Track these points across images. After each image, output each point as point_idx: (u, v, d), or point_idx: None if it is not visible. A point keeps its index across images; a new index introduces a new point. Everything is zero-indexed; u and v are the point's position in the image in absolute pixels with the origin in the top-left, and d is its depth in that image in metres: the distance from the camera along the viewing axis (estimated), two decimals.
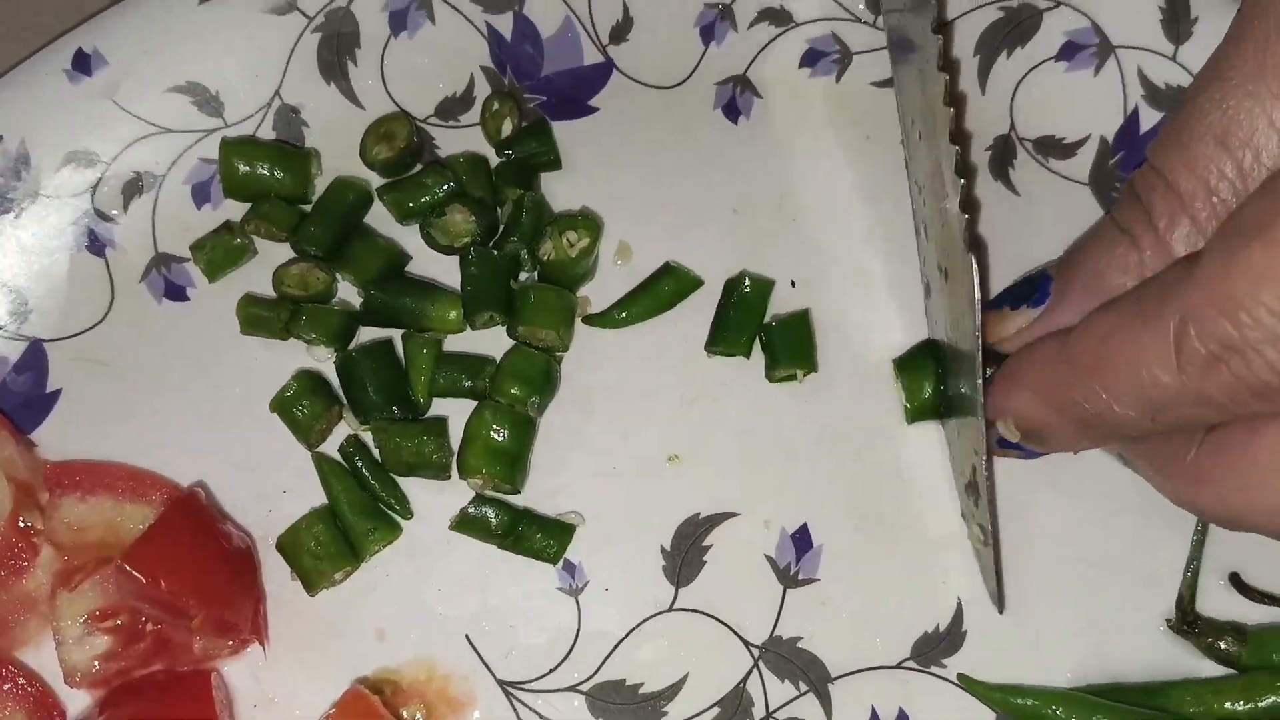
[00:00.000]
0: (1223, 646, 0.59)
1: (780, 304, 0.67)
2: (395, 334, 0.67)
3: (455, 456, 0.64)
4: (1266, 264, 0.47)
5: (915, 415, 0.64)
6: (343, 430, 0.66)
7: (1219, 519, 0.56)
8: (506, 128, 0.69)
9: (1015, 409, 0.58)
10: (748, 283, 0.66)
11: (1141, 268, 0.54)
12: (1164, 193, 0.53)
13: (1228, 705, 0.59)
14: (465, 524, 0.63)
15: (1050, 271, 0.59)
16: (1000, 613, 0.62)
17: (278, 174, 0.68)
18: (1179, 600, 0.61)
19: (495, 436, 0.62)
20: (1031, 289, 0.59)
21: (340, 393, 0.65)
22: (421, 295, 0.66)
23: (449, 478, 0.64)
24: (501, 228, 0.67)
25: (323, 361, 0.66)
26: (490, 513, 0.62)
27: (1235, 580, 0.62)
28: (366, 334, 0.67)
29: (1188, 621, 0.60)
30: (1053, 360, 0.55)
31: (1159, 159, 0.54)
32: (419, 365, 0.65)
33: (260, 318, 0.66)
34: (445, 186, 0.67)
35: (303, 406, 0.64)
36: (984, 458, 0.58)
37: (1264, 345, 0.47)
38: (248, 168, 0.67)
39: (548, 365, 0.64)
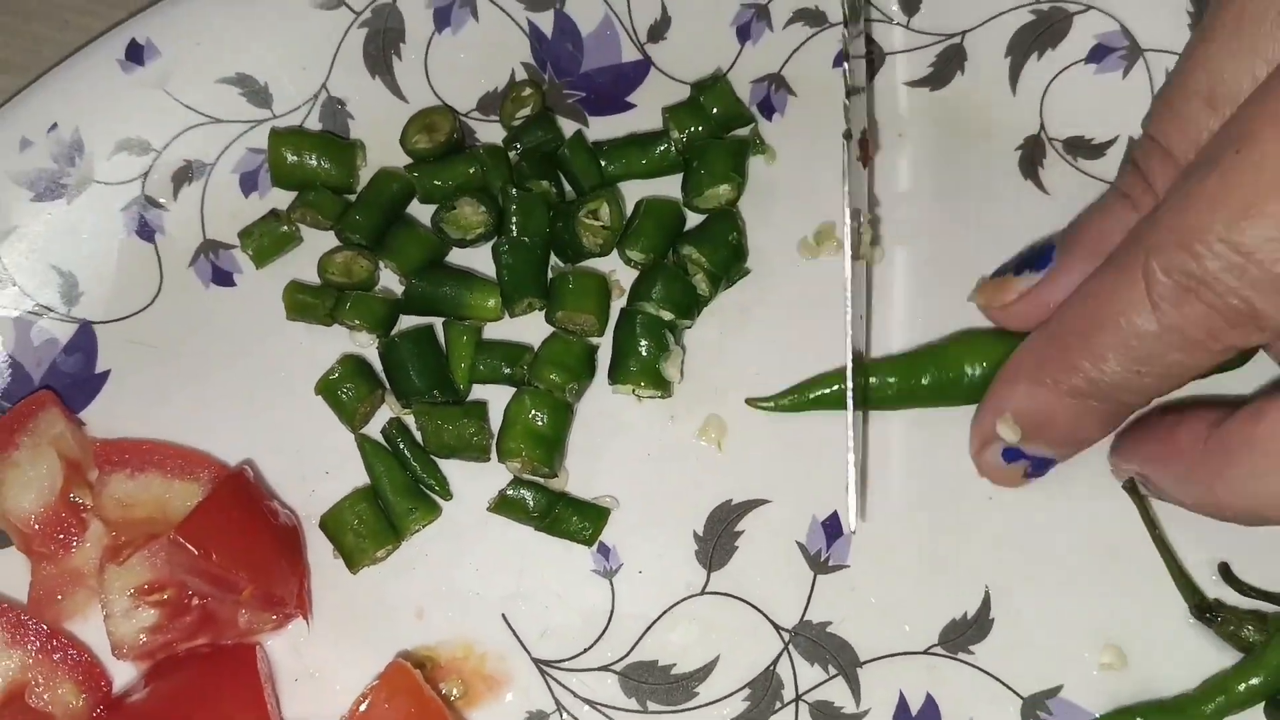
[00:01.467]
0: (1245, 634, 0.60)
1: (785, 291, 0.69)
2: (437, 320, 0.68)
3: (494, 440, 0.65)
4: (1219, 193, 0.49)
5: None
6: (384, 414, 0.67)
7: (1240, 515, 0.57)
8: (523, 113, 0.70)
9: (1013, 405, 0.59)
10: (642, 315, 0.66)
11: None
12: (1158, 155, 0.56)
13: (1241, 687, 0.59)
14: (503, 506, 0.64)
15: (1056, 239, 0.61)
16: (851, 530, 0.62)
17: (324, 164, 0.69)
18: (1184, 596, 0.62)
19: (534, 421, 0.64)
20: (1037, 255, 0.61)
21: (383, 377, 0.67)
22: (461, 284, 0.67)
23: (488, 460, 0.65)
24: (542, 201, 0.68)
25: (365, 347, 0.68)
26: (528, 495, 0.64)
27: (1224, 572, 0.62)
28: (408, 320, 0.69)
29: (1208, 609, 0.61)
30: (1041, 341, 0.58)
31: (1152, 126, 0.57)
32: (459, 352, 0.66)
33: (306, 304, 0.68)
34: (471, 170, 0.69)
35: (347, 389, 0.65)
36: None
37: (1224, 273, 0.49)
38: (295, 157, 0.69)
39: (586, 352, 0.66)
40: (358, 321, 0.67)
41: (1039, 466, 0.61)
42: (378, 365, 0.67)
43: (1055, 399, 0.57)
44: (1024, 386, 0.58)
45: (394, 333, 0.67)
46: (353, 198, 0.70)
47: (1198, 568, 0.63)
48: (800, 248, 0.69)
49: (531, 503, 0.64)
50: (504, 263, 0.67)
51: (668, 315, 0.66)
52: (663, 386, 0.66)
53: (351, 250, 0.68)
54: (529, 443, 0.64)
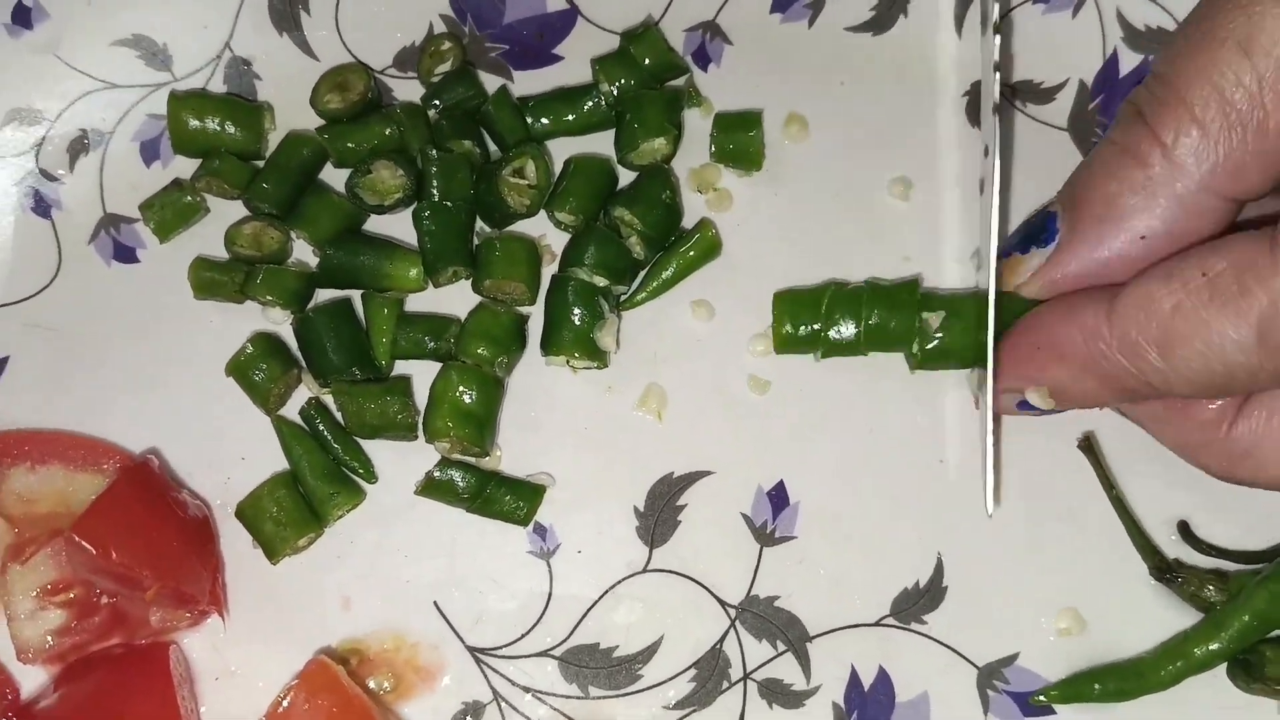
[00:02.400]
0: (1206, 594, 0.58)
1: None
2: (355, 293, 0.64)
3: (421, 418, 0.62)
4: None
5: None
6: (302, 395, 0.63)
7: (1251, 485, 0.55)
8: (442, 69, 0.66)
9: (1052, 380, 0.56)
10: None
11: (1151, 185, 0.52)
12: (1171, 104, 0.51)
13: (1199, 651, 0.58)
14: (432, 488, 0.61)
15: (1054, 208, 0.56)
16: (989, 514, 0.59)
17: (229, 129, 0.65)
18: (1144, 558, 0.60)
19: (462, 398, 0.60)
20: (1039, 229, 0.56)
21: (299, 355, 0.63)
22: (380, 253, 0.64)
23: (415, 438, 0.62)
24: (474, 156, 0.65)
25: (279, 324, 0.64)
26: (457, 476, 0.60)
27: (1184, 530, 0.60)
28: (325, 295, 0.65)
29: (1169, 569, 0.59)
30: (1098, 333, 0.53)
31: (1167, 66, 0.51)
32: (380, 326, 0.63)
33: (214, 281, 0.64)
34: (388, 130, 0.65)
35: (260, 369, 0.62)
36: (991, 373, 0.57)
37: None
38: (198, 122, 0.65)
39: (515, 323, 0.62)
40: (270, 297, 0.63)
41: (1046, 413, 0.59)
42: (293, 343, 0.64)
43: (1101, 389, 0.54)
44: (1071, 369, 0.55)
45: (309, 308, 0.63)
46: (261, 164, 0.66)
47: (1156, 528, 0.61)
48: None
49: (461, 483, 0.60)
50: (425, 229, 0.63)
51: (602, 281, 0.63)
52: (598, 357, 0.62)
53: (261, 220, 0.64)
54: (458, 421, 0.60)
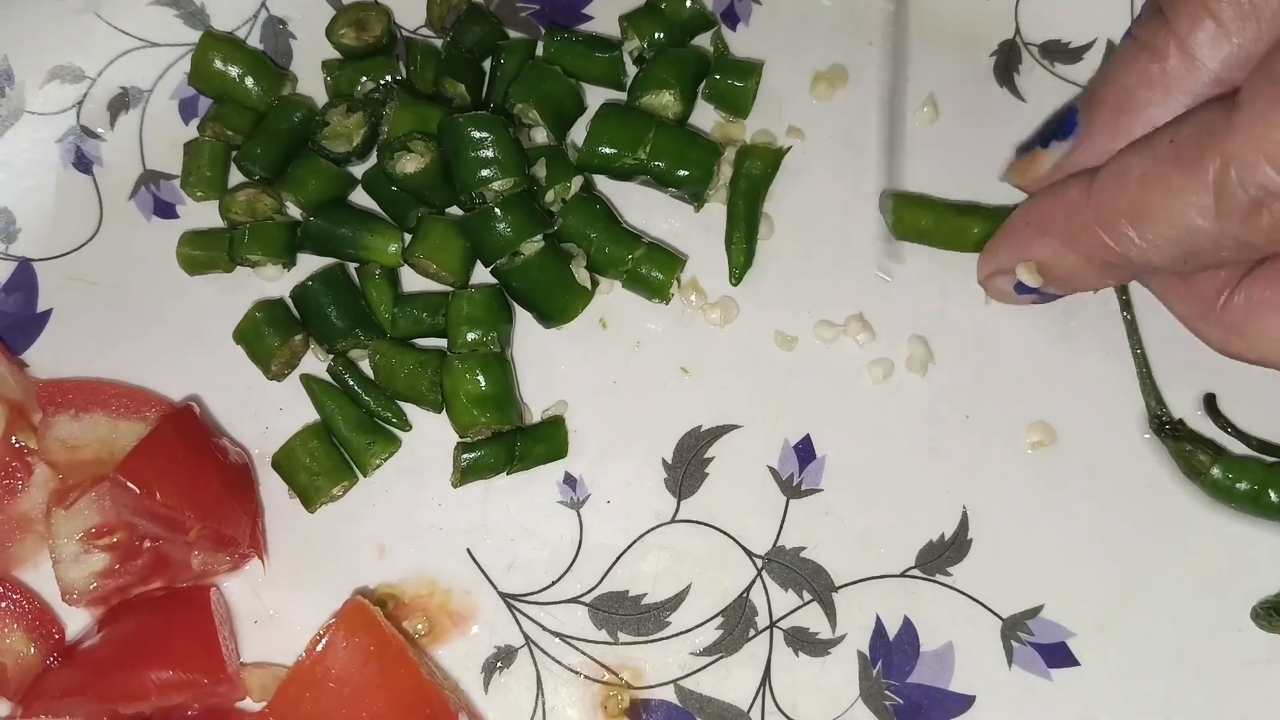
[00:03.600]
0: (1198, 457, 0.59)
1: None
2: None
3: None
4: None
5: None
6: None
7: (1246, 360, 0.57)
8: (451, 18, 0.67)
9: (1038, 256, 0.57)
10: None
11: (1166, 79, 0.53)
12: (1191, 1, 0.51)
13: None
14: (469, 474, 0.61)
15: (1075, 104, 0.57)
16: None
17: (247, 82, 0.66)
18: (1147, 406, 0.61)
19: (475, 387, 0.60)
20: (1059, 125, 0.57)
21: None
22: (360, 226, 0.64)
23: (440, 413, 0.63)
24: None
25: (273, 280, 0.65)
26: (484, 455, 0.61)
27: (1209, 403, 0.61)
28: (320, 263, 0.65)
29: (1167, 424, 0.60)
30: (1078, 206, 0.54)
31: None
32: (375, 298, 0.63)
33: (201, 259, 0.64)
34: (389, 72, 0.65)
35: (265, 335, 0.62)
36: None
37: None
38: (221, 65, 0.65)
39: (491, 298, 0.62)
40: (260, 255, 0.63)
41: (1046, 298, 0.60)
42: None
43: (1085, 264, 0.56)
44: (1054, 244, 0.56)
45: (308, 278, 0.63)
46: None
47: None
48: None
49: (492, 459, 0.61)
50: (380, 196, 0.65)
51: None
52: (583, 295, 0.63)
53: (255, 187, 0.65)
54: (479, 409, 0.60)
